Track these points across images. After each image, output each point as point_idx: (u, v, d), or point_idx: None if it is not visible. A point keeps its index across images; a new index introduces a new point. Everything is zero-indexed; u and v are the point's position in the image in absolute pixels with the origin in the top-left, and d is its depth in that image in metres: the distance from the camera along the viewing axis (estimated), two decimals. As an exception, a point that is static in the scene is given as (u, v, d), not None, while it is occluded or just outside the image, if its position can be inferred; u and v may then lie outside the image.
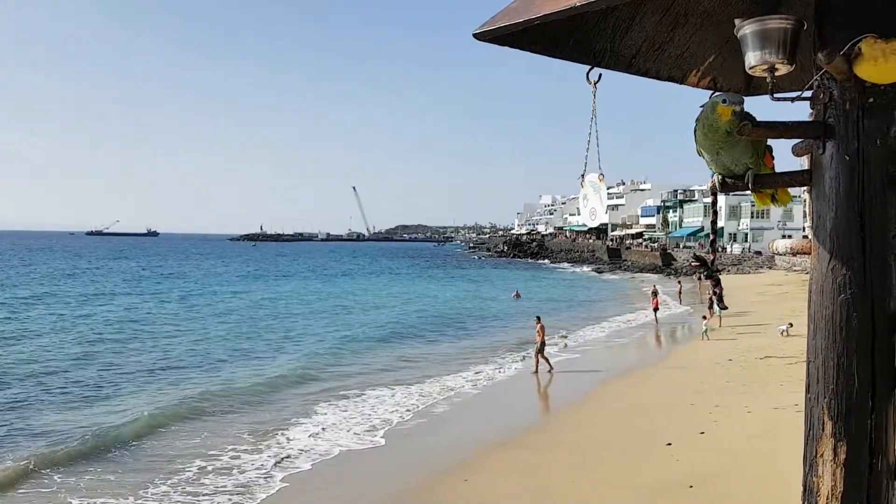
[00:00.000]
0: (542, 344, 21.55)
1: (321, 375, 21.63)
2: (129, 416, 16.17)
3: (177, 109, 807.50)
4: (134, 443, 14.41)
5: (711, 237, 2.55)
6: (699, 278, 53.22)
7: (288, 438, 14.61)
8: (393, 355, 25.79)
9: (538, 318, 22.72)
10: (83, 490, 11.76)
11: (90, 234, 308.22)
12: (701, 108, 2.22)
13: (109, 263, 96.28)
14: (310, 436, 14.83)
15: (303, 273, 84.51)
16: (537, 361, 21.54)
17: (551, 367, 21.43)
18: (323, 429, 15.36)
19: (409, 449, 13.97)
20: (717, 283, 2.51)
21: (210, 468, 12.75)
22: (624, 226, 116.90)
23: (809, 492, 2.12)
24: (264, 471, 12.64)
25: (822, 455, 2.08)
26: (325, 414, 16.68)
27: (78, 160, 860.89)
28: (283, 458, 13.28)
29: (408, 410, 16.99)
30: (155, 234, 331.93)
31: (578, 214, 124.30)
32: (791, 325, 25.48)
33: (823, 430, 2.07)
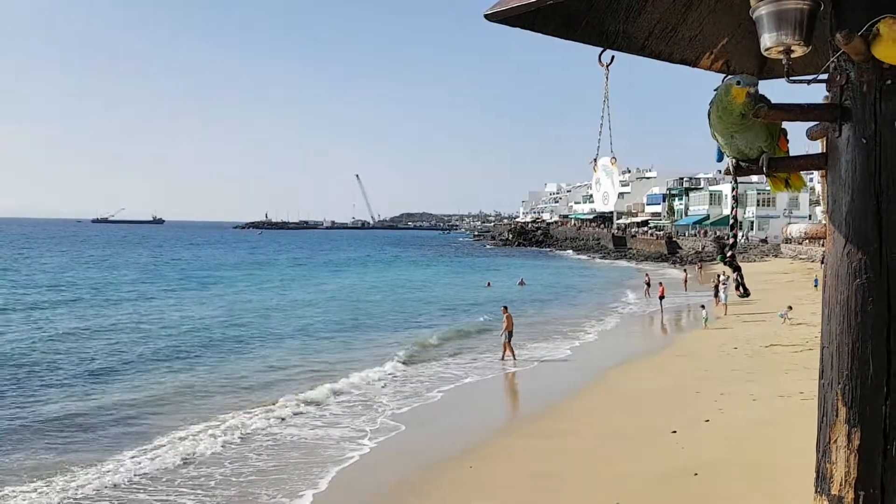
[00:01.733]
0: (510, 333, 21.76)
1: (313, 366, 21.67)
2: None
3: (180, 97, 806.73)
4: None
5: (732, 222, 2.52)
6: (699, 267, 53.26)
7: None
8: (388, 342, 25.96)
9: (505, 307, 22.90)
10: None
11: (95, 221, 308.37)
12: (715, 92, 2.19)
13: (159, 253, 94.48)
14: (311, 429, 14.89)
15: (351, 261, 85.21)
16: (505, 349, 21.75)
17: (515, 358, 21.55)
18: (324, 418, 15.44)
19: (411, 438, 13.99)
20: (738, 269, 2.46)
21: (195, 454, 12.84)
22: (629, 214, 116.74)
23: (822, 478, 2.10)
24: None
25: (835, 441, 2.06)
26: (325, 404, 16.72)
27: (81, 148, 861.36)
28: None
29: (409, 399, 17.03)
30: (160, 221, 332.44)
31: (590, 201, 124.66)
32: (790, 307, 25.58)
33: (837, 416, 2.05)
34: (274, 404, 16.29)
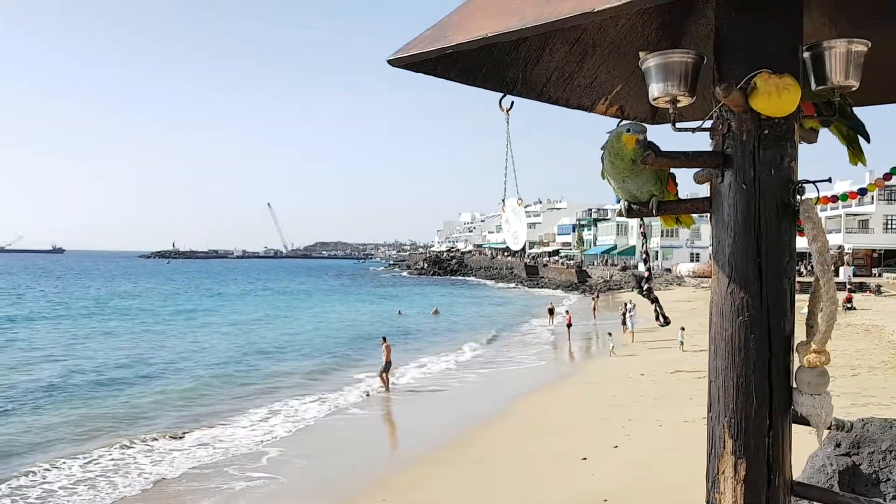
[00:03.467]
0: (388, 363, 21.94)
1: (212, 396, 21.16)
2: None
3: (81, 120, 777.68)
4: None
5: (644, 256, 2.63)
6: (596, 296, 54.33)
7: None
8: (302, 372, 25.65)
9: (384, 338, 23.12)
10: None
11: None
12: (607, 138, 2.28)
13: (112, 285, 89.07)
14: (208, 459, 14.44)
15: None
16: (384, 380, 21.86)
17: (388, 389, 21.65)
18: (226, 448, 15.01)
19: (321, 471, 13.74)
20: (655, 301, 2.59)
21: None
22: (541, 243, 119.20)
23: (712, 508, 2.19)
24: None
25: (723, 472, 2.15)
26: (218, 437, 16.27)
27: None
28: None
29: (304, 431, 16.82)
30: (60, 250, 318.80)
31: (499, 232, 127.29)
32: (683, 328, 26.70)
33: (724, 447, 2.14)
34: (171, 438, 15.82)
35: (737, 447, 2.12)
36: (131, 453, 14.85)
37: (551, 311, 41.55)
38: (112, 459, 14.42)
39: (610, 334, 29.64)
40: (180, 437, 16.02)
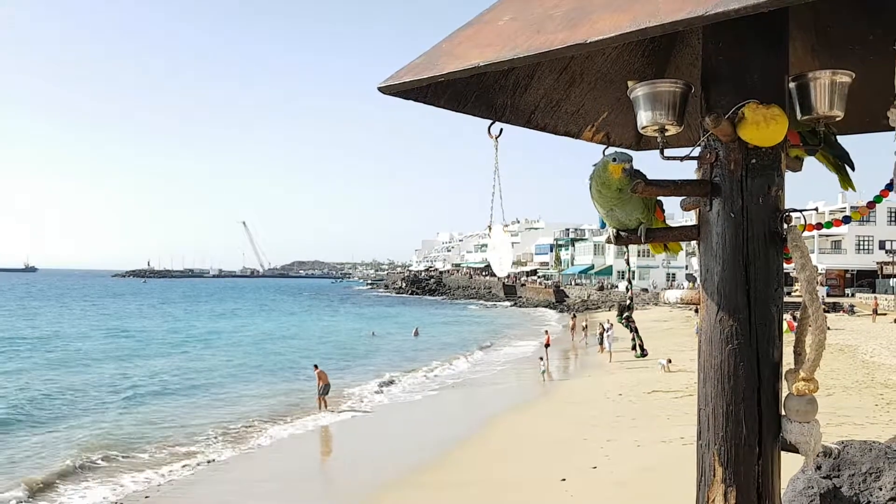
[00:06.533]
0: (326, 386, 22.39)
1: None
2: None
3: (51, 136, 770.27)
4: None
5: (627, 285, 2.63)
6: (574, 316, 54.49)
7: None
8: (280, 393, 25.49)
9: (316, 365, 23.61)
10: None
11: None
12: (594, 167, 2.29)
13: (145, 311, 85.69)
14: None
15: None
16: (320, 403, 22.18)
17: (325, 409, 21.88)
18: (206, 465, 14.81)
19: (290, 496, 13.58)
20: (635, 330, 2.59)
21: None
22: (519, 263, 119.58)
23: (702, 536, 2.18)
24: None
25: (713, 500, 2.14)
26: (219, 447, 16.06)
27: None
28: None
29: (289, 451, 16.66)
30: (33, 269, 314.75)
31: (481, 251, 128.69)
32: (670, 360, 26.44)
33: (714, 475, 2.14)
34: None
35: (727, 475, 2.11)
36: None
37: (585, 328, 42.19)
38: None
39: (541, 358, 29.29)
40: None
